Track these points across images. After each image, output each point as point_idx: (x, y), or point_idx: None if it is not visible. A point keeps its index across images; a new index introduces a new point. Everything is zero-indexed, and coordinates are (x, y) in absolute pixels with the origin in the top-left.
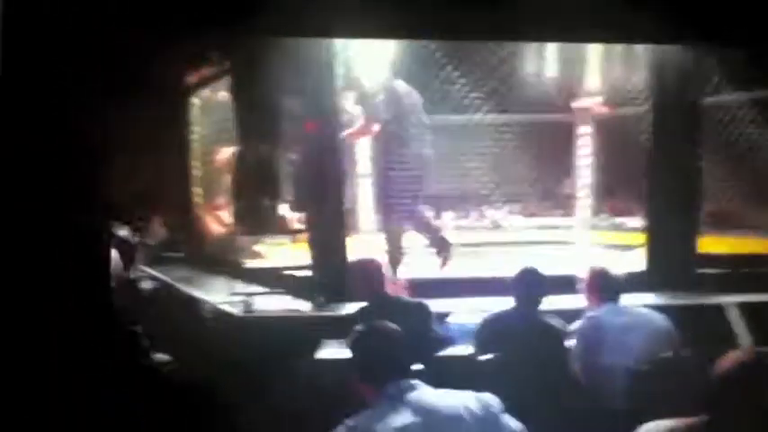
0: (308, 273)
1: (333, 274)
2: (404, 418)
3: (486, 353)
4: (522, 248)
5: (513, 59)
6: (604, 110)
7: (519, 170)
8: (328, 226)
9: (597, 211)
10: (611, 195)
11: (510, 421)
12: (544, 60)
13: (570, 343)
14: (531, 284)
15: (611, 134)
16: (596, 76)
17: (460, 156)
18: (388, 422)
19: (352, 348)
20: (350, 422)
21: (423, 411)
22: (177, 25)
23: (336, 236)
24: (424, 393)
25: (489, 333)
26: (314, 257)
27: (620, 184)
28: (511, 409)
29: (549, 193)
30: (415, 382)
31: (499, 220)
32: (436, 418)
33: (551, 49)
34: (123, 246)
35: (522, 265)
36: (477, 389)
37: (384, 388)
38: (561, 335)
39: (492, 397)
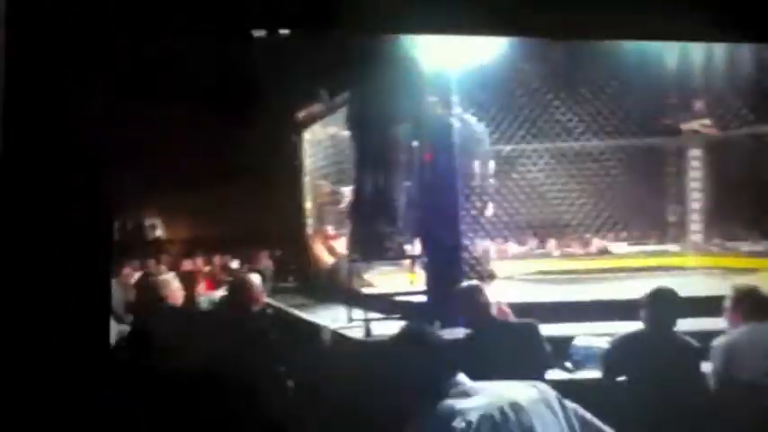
0: (423, 298)
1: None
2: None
3: (617, 375)
4: (632, 275)
5: (618, 84)
6: (714, 131)
7: (627, 196)
8: (444, 252)
9: (708, 236)
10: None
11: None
12: (651, 83)
13: (708, 362)
14: (664, 304)
15: (723, 157)
16: (705, 97)
17: (567, 183)
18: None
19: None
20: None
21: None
22: None
23: (453, 261)
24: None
25: (621, 354)
26: (429, 283)
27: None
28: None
29: (657, 218)
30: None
31: (608, 246)
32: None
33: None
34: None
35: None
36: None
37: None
38: (698, 354)
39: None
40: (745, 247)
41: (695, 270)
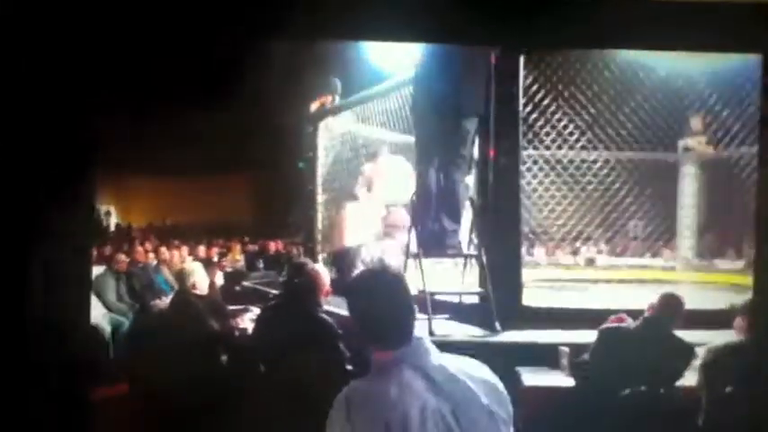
0: (477, 299)
1: (508, 299)
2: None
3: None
4: (621, 286)
5: (618, 94)
6: (710, 150)
7: (620, 208)
8: (504, 250)
9: (698, 252)
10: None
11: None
12: (649, 99)
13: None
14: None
15: (715, 175)
16: (701, 116)
17: (561, 192)
18: (388, 385)
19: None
20: (351, 385)
21: (428, 375)
22: None
23: (513, 260)
24: (437, 358)
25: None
26: (489, 282)
27: (721, 225)
28: None
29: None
30: (429, 347)
31: (594, 257)
32: (442, 384)
33: (654, 87)
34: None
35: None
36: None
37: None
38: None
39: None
40: (729, 264)
41: (684, 284)
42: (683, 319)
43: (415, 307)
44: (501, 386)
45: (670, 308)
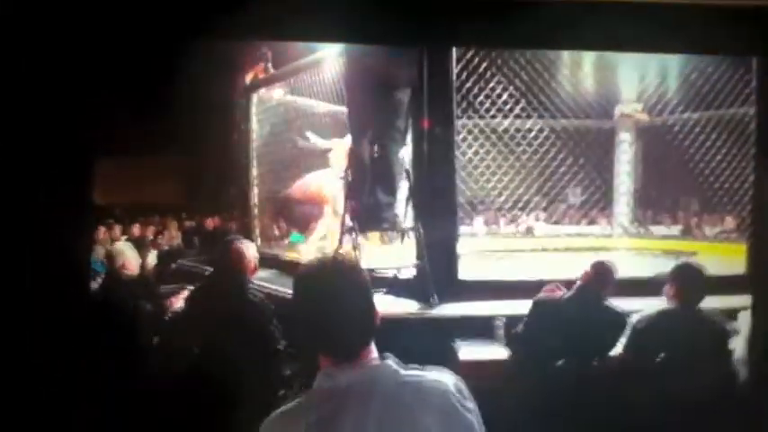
0: (413, 273)
1: (446, 272)
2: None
3: (646, 354)
4: (558, 255)
5: (552, 65)
6: (645, 117)
7: (556, 176)
8: (441, 222)
9: (634, 219)
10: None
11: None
12: (584, 67)
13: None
14: (692, 280)
15: (652, 141)
16: (637, 82)
17: (496, 161)
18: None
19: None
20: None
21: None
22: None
23: (449, 232)
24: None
25: (650, 332)
26: (425, 255)
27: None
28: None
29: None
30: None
31: (533, 226)
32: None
33: (591, 53)
34: None
35: (680, 261)
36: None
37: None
38: (725, 332)
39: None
40: (665, 230)
41: (620, 251)
42: (615, 287)
43: (376, 309)
44: (462, 410)
45: (602, 276)
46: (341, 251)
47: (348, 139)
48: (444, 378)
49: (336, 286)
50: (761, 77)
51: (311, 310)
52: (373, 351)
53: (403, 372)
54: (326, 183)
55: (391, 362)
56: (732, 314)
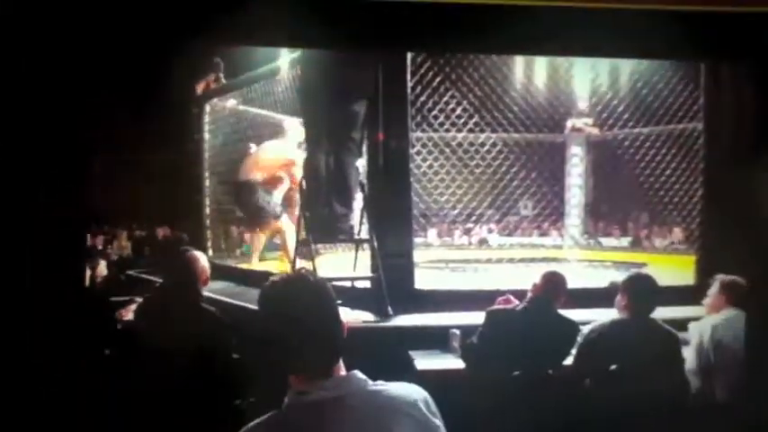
0: (367, 284)
1: (401, 283)
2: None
3: (599, 364)
4: (511, 266)
5: (505, 80)
6: (596, 131)
7: (508, 189)
8: (395, 234)
9: (584, 231)
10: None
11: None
12: (537, 81)
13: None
14: (643, 291)
15: (603, 155)
16: (589, 97)
17: (449, 174)
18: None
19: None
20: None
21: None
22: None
23: (404, 244)
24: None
25: (603, 342)
26: (380, 266)
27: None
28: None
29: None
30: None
31: (486, 237)
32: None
33: (544, 68)
34: None
35: (632, 272)
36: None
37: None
38: (677, 341)
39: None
40: (615, 242)
41: (571, 262)
42: (567, 297)
43: (343, 323)
44: (433, 419)
45: (553, 286)
46: (298, 265)
47: (303, 150)
48: (413, 390)
49: (306, 305)
50: (708, 94)
51: (281, 332)
52: (342, 364)
53: (372, 383)
54: (284, 149)
55: (359, 373)
56: (682, 324)
